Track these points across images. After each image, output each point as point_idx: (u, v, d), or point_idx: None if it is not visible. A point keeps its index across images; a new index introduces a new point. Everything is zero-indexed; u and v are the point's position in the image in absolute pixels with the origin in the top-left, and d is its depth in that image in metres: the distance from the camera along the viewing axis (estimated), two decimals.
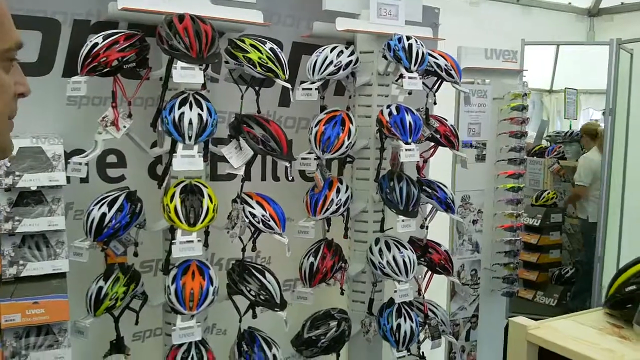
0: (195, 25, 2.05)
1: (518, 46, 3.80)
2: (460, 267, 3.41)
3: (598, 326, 1.56)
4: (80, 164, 2.07)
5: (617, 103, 4.03)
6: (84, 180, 2.34)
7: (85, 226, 2.10)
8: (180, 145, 2.06)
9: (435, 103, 2.94)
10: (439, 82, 2.90)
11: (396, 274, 2.62)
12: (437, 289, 3.06)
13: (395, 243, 2.70)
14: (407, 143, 2.56)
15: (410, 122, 2.57)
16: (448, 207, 2.86)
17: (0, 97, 0.86)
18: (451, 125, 2.93)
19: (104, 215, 2.08)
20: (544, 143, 6.35)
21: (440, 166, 3.22)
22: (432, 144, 2.97)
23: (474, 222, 3.49)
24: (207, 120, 2.08)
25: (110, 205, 2.10)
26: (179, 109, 2.05)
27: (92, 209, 2.10)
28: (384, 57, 2.69)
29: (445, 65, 2.84)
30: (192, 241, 2.07)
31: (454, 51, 3.06)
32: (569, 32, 4.41)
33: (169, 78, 2.12)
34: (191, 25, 2.04)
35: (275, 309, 2.31)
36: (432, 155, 2.96)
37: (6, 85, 0.86)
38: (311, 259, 2.62)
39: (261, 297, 2.30)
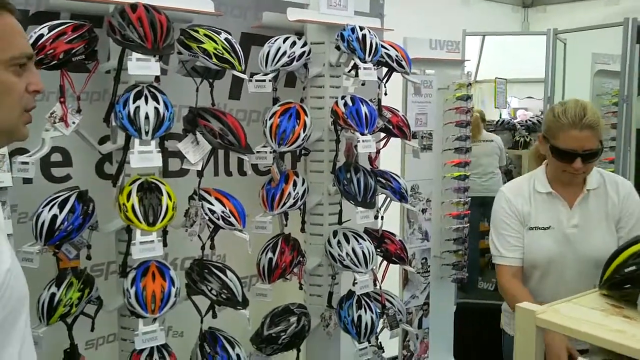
0: (150, 15, 1.97)
1: (459, 37, 3.88)
2: (412, 255, 3.45)
3: (600, 307, 1.60)
4: (27, 163, 1.95)
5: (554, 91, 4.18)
6: (27, 181, 2.19)
7: (34, 229, 1.99)
8: (136, 141, 1.98)
9: (385, 94, 2.96)
10: (389, 72, 2.92)
11: (356, 265, 2.62)
12: (389, 279, 3.08)
13: (354, 235, 2.70)
14: (363, 134, 2.56)
15: (366, 113, 2.57)
16: (402, 196, 2.88)
17: (8, 96, 1.09)
18: (403, 115, 2.96)
19: (55, 217, 1.98)
20: None
21: (389, 156, 3.24)
22: (384, 134, 2.99)
23: (423, 210, 3.54)
24: (164, 114, 2.01)
25: (61, 207, 1.99)
26: (133, 102, 1.97)
27: (42, 211, 1.99)
28: (337, 47, 2.68)
29: (396, 55, 2.86)
30: (152, 241, 2.00)
31: (399, 42, 3.08)
32: (505, 23, 4.54)
33: (122, 70, 2.03)
34: (145, 15, 1.96)
35: (238, 307, 2.27)
36: (384, 145, 2.98)
37: (13, 86, 1.09)
38: (269, 254, 2.58)
39: (223, 295, 2.25)
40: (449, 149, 3.66)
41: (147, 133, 1.96)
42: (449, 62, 3.64)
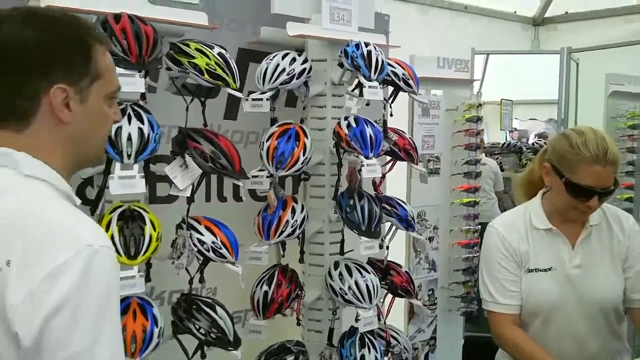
0: (135, 26, 1.82)
1: (467, 55, 3.74)
2: (418, 287, 3.27)
3: None
4: None
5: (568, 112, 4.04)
6: None
7: None
8: (117, 165, 1.81)
9: (391, 115, 2.80)
10: (395, 92, 2.77)
11: (359, 300, 2.44)
12: (393, 311, 2.91)
13: (357, 266, 2.52)
14: (368, 157, 2.40)
15: (370, 135, 2.42)
16: (409, 224, 2.72)
17: (105, 125, 1.24)
18: (410, 137, 2.80)
19: None
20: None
21: (394, 181, 3.08)
22: (389, 158, 2.83)
23: (430, 239, 3.38)
24: (148, 135, 1.84)
25: None
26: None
27: None
28: (340, 65, 2.54)
29: (403, 74, 2.72)
30: (133, 276, 1.82)
31: (405, 60, 2.94)
32: (515, 41, 4.41)
33: None
34: (130, 26, 1.81)
35: (229, 348, 2.08)
36: (390, 169, 2.82)
37: (110, 117, 1.25)
38: (265, 287, 2.41)
39: (212, 335, 2.07)
40: (458, 173, 3.50)
41: (129, 156, 1.79)
42: (458, 81, 3.50)
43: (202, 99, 2.17)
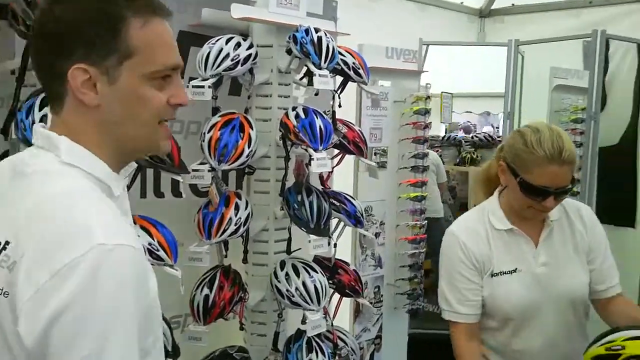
0: None
1: (414, 45, 3.66)
2: (364, 284, 3.18)
3: None
4: None
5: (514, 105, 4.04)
6: None
7: None
8: None
9: (340, 106, 2.69)
10: (345, 82, 2.66)
11: (307, 302, 2.32)
12: (339, 311, 2.81)
13: (304, 266, 2.41)
14: (317, 151, 2.28)
15: (320, 127, 2.30)
16: (357, 221, 2.63)
17: (144, 110, 1.09)
18: (359, 130, 2.69)
19: None
20: None
21: (339, 175, 2.97)
22: (337, 151, 2.72)
23: (377, 235, 3.30)
24: None
25: None
26: (40, 110, 1.62)
27: None
28: (288, 51, 2.41)
29: (353, 63, 2.61)
30: None
31: (353, 49, 2.83)
32: (461, 33, 4.38)
33: (27, 71, 1.68)
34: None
35: (167, 359, 1.93)
36: (338, 163, 2.71)
37: (152, 100, 1.09)
38: (205, 290, 2.26)
39: None
40: (405, 167, 3.43)
41: None
42: (406, 72, 3.41)
43: None
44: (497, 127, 7.88)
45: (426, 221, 3.52)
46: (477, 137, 7.07)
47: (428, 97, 3.37)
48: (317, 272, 2.41)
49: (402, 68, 3.37)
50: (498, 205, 2.05)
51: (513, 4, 4.46)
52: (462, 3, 4.39)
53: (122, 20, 1.06)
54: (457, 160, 6.78)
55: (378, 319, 3.38)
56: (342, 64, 2.56)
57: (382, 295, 3.37)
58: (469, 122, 7.64)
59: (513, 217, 2.02)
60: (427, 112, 3.36)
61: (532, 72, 4.08)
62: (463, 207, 6.25)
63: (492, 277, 2.00)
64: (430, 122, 3.38)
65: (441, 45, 4.03)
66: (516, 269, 2.00)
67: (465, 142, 6.99)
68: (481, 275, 2.00)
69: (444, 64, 4.39)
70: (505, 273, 1.99)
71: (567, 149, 1.85)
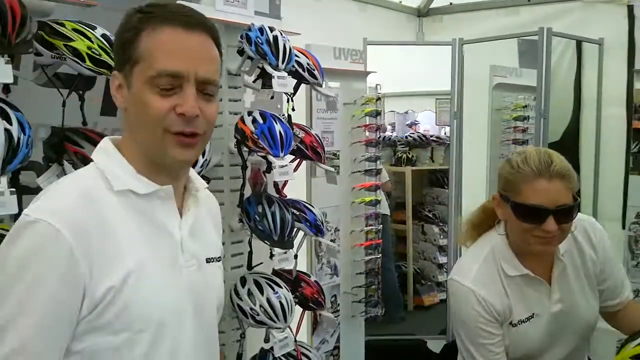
0: None
1: (357, 45, 3.58)
2: None
3: None
4: None
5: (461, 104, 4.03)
6: None
7: None
8: None
9: (293, 109, 2.56)
10: (298, 84, 2.54)
11: (273, 320, 2.19)
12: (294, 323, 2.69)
13: (267, 281, 2.27)
14: (278, 158, 2.15)
15: (280, 132, 2.18)
16: (318, 230, 2.53)
17: (146, 116, 1.16)
18: (316, 134, 2.58)
19: None
20: None
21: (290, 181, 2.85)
22: (292, 157, 2.59)
23: (332, 241, 3.18)
24: (19, 139, 1.47)
25: None
26: None
27: None
28: (239, 52, 2.27)
29: (307, 64, 2.50)
30: None
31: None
32: (400, 32, 4.35)
33: None
34: None
35: None
36: (296, 169, 2.58)
37: (150, 106, 1.15)
38: None
39: None
40: (358, 171, 3.33)
41: None
42: (353, 73, 3.32)
43: (81, 92, 1.80)
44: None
45: (381, 225, 3.44)
46: (411, 136, 7.09)
47: (379, 99, 3.29)
48: (281, 287, 2.28)
49: (351, 69, 3.28)
50: (507, 247, 1.87)
51: (451, 3, 4.46)
52: (400, 2, 4.35)
53: (136, 31, 1.16)
54: (393, 161, 6.78)
55: (335, 330, 3.27)
56: (296, 65, 2.44)
57: (338, 305, 3.27)
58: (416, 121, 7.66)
59: (524, 257, 1.85)
60: (378, 113, 3.29)
61: (472, 71, 4.09)
62: (399, 206, 6.26)
63: (511, 326, 1.86)
64: (382, 124, 3.30)
65: (382, 45, 3.95)
66: (533, 314, 1.86)
67: (399, 142, 7.00)
68: (501, 325, 1.86)
69: (377, 63, 4.34)
70: (523, 321, 1.86)
71: (556, 163, 1.72)
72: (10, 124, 1.46)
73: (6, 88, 1.58)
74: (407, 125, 7.82)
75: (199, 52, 1.17)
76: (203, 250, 1.30)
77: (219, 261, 1.36)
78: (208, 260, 1.31)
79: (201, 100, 1.17)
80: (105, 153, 1.22)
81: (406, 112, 8.62)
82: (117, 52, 1.22)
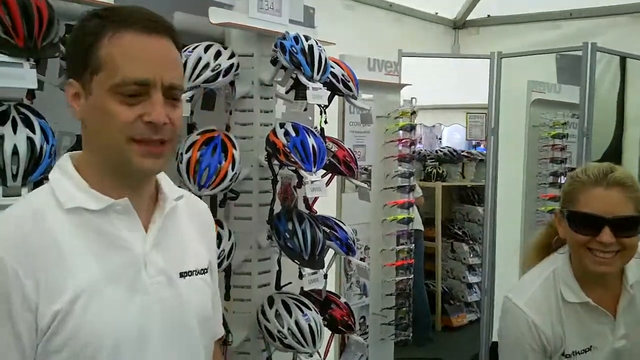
0: None
1: (391, 56, 3.49)
2: None
3: None
4: None
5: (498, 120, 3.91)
6: None
7: None
8: None
9: (326, 122, 2.47)
10: (332, 95, 2.45)
11: (302, 344, 2.10)
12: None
13: (296, 302, 2.18)
14: (311, 173, 2.06)
15: (313, 146, 2.09)
16: (349, 248, 2.42)
17: (109, 123, 1.11)
18: (349, 149, 2.49)
19: None
20: None
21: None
22: (324, 171, 2.50)
23: (361, 260, 3.08)
24: (41, 148, 1.40)
25: None
26: None
27: None
28: (273, 61, 2.19)
29: (342, 75, 2.42)
30: None
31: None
32: (435, 44, 4.26)
33: None
34: None
35: None
36: (327, 184, 2.48)
37: (115, 114, 1.10)
38: None
39: None
40: (390, 188, 3.23)
41: (15, 177, 1.34)
42: (387, 85, 3.23)
43: None
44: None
45: (414, 245, 3.33)
46: (441, 151, 7.00)
47: (414, 112, 3.19)
48: (310, 309, 2.18)
49: (385, 81, 3.19)
50: (570, 272, 1.75)
51: (489, 15, 4.37)
52: (436, 13, 4.27)
53: (94, 36, 1.10)
54: (423, 176, 6.67)
55: (364, 354, 3.16)
56: (330, 76, 2.36)
57: (367, 327, 3.16)
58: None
59: (587, 283, 1.74)
60: (412, 128, 3.19)
61: (510, 85, 3.98)
62: (428, 222, 6.13)
63: (564, 357, 1.74)
64: (416, 139, 3.20)
65: (425, 57, 3.87)
66: (591, 346, 1.73)
67: (429, 157, 6.90)
68: (550, 356, 1.74)
69: (410, 75, 4.24)
70: (579, 353, 1.73)
71: (615, 172, 1.64)
72: (34, 132, 1.39)
73: (30, 94, 1.51)
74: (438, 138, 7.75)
75: (164, 57, 1.14)
76: (175, 263, 1.22)
77: (202, 273, 1.28)
78: (182, 275, 1.22)
79: (167, 107, 1.13)
80: (59, 170, 1.17)
81: (433, 126, 8.53)
82: (72, 58, 1.16)
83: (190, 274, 1.24)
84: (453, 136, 9.12)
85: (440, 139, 9.44)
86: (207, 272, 1.29)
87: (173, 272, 1.20)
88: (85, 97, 1.12)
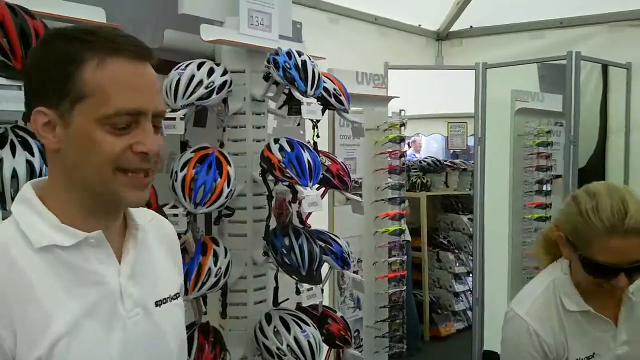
0: (19, 19, 1.35)
1: (380, 69, 3.51)
2: None
3: None
4: None
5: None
6: None
7: None
8: None
9: (318, 136, 2.47)
10: (323, 110, 2.45)
11: None
12: None
13: (294, 318, 2.16)
14: (306, 187, 2.05)
15: (309, 161, 2.08)
16: (345, 262, 2.42)
17: (94, 154, 1.04)
18: (342, 162, 2.49)
19: None
20: None
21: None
22: (317, 185, 2.50)
23: (354, 273, 3.06)
24: (40, 170, 1.37)
25: None
26: None
27: None
28: (265, 77, 2.18)
29: (334, 89, 2.42)
30: None
31: None
32: (419, 56, 4.29)
33: None
34: (11, 19, 1.34)
35: None
36: (321, 198, 2.48)
37: (102, 145, 1.03)
38: None
39: None
40: (381, 200, 3.23)
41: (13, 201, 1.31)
42: (375, 98, 3.24)
43: None
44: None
45: (406, 256, 3.33)
46: (425, 161, 7.01)
47: (403, 124, 3.21)
48: (308, 325, 2.17)
49: (373, 94, 3.20)
50: (569, 281, 1.75)
51: (471, 26, 4.41)
52: (419, 25, 4.30)
53: (76, 62, 1.03)
54: (407, 186, 6.68)
55: None
56: (322, 91, 2.36)
57: (361, 339, 3.14)
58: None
59: (588, 292, 1.73)
60: (402, 140, 3.20)
61: (492, 95, 4.01)
62: (413, 232, 6.13)
63: None
64: (406, 151, 3.21)
65: (410, 69, 3.88)
66: (594, 354, 1.73)
67: (413, 168, 6.92)
68: None
69: (393, 87, 4.26)
70: None
71: (632, 214, 1.56)
72: (32, 154, 1.37)
73: (27, 116, 1.49)
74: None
75: (153, 85, 1.09)
76: (150, 293, 1.18)
77: (175, 299, 1.23)
78: (158, 303, 1.18)
79: (155, 135, 1.08)
80: (24, 203, 1.09)
81: (413, 137, 8.56)
82: (44, 84, 1.06)
83: (165, 301, 1.20)
84: (431, 145, 9.15)
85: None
86: (179, 295, 1.26)
87: (149, 301, 1.16)
88: (64, 127, 1.04)
